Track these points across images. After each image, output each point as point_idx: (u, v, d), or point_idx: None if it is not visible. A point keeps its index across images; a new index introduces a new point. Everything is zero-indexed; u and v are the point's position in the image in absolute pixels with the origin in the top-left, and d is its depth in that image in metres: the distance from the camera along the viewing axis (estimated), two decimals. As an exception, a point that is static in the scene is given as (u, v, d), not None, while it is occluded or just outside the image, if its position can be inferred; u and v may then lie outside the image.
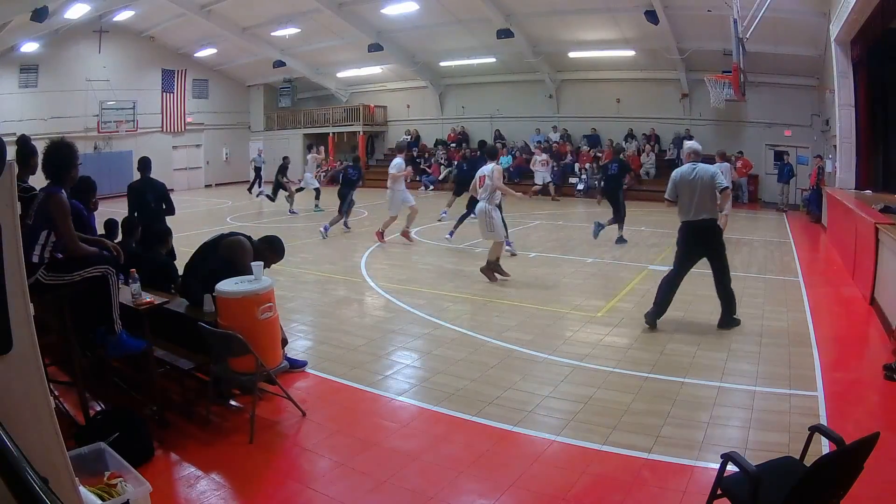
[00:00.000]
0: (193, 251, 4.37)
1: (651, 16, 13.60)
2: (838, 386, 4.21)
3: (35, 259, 3.11)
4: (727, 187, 5.28)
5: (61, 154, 3.26)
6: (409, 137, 22.10)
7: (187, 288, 4.20)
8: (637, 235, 10.67)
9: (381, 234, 9.99)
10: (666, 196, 5.37)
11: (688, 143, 5.66)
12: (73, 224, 3.25)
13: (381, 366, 4.67)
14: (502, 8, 15.56)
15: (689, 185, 5.15)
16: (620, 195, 9.95)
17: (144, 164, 6.54)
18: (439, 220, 11.86)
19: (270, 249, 4.33)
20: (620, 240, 9.78)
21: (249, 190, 19.14)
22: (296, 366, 4.50)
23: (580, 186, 17.56)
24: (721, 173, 5.33)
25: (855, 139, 10.19)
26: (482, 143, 12.72)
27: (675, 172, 5.34)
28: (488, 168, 7.23)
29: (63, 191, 3.18)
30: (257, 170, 19.57)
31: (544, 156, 17.24)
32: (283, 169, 14.84)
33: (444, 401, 3.97)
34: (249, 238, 4.30)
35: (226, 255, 4.10)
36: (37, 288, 3.05)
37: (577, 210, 15.12)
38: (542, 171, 17.04)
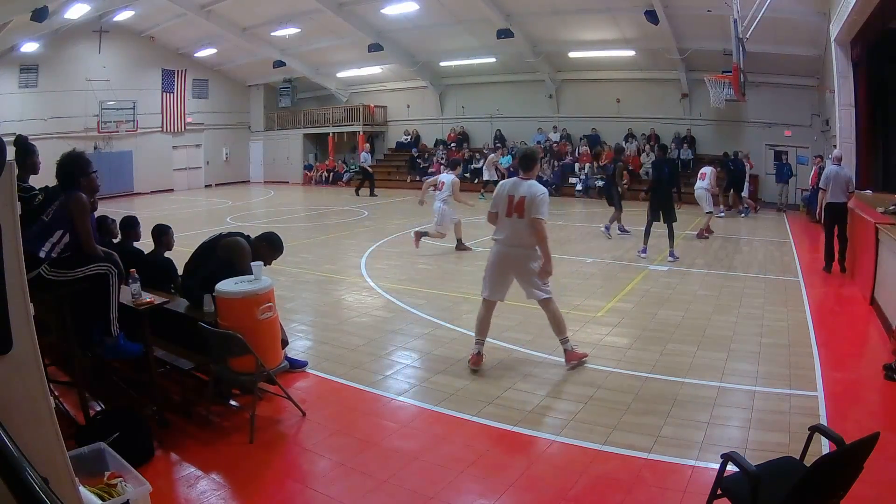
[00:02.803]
0: (192, 251, 4.37)
1: (651, 16, 13.60)
2: (838, 386, 4.21)
3: (42, 254, 3.15)
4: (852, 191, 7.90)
5: (70, 163, 3.38)
6: (408, 137, 22.13)
7: (187, 288, 4.19)
8: (637, 235, 10.67)
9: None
10: (820, 186, 8.01)
11: (836, 151, 8.56)
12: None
13: (381, 366, 4.67)
14: (502, 8, 15.55)
15: (835, 180, 7.64)
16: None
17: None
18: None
19: (268, 247, 4.32)
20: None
21: (357, 192, 18.43)
22: (296, 366, 4.50)
23: (579, 187, 17.58)
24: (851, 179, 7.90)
25: (855, 139, 10.19)
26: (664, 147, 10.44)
27: (829, 169, 7.89)
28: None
29: (82, 192, 3.33)
30: (365, 171, 18.91)
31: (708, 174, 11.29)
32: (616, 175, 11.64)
33: (444, 401, 3.97)
34: (248, 237, 4.30)
35: (224, 255, 4.09)
36: (38, 283, 3.07)
37: (577, 210, 15.12)
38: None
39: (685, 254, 9.14)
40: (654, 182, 9.21)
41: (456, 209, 9.34)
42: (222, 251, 4.13)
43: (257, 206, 17.55)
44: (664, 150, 10.15)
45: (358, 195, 18.20)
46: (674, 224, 8.70)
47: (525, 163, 4.55)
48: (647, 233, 8.87)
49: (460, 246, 9.42)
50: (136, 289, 3.62)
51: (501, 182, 4.71)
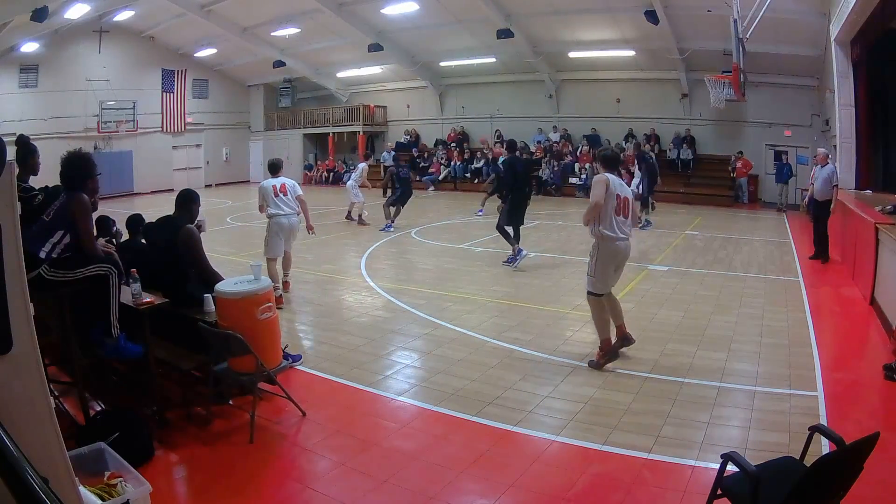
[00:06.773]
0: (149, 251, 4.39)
1: (651, 16, 13.60)
2: (838, 386, 4.21)
3: (42, 255, 3.14)
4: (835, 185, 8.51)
5: (76, 164, 3.37)
6: (409, 137, 22.11)
7: (178, 287, 4.11)
8: (638, 236, 10.67)
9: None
10: (835, 184, 8.53)
11: (820, 150, 9.08)
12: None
13: (381, 366, 4.67)
14: (502, 8, 15.55)
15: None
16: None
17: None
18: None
19: (192, 203, 4.42)
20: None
21: (384, 194, 17.60)
22: (293, 360, 4.52)
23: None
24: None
25: (855, 139, 10.18)
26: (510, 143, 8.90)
27: (831, 168, 8.63)
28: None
29: (84, 193, 3.32)
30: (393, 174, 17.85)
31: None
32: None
33: (444, 401, 3.97)
34: (174, 218, 4.33)
35: (188, 248, 4.14)
36: (38, 283, 3.07)
37: (578, 210, 15.10)
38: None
39: (685, 253, 9.14)
40: (514, 184, 8.08)
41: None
42: (184, 247, 4.14)
43: (257, 206, 17.51)
44: (512, 147, 8.59)
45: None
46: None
47: (272, 169, 6.86)
48: (517, 235, 8.06)
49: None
50: (136, 289, 3.62)
51: (272, 180, 6.67)
